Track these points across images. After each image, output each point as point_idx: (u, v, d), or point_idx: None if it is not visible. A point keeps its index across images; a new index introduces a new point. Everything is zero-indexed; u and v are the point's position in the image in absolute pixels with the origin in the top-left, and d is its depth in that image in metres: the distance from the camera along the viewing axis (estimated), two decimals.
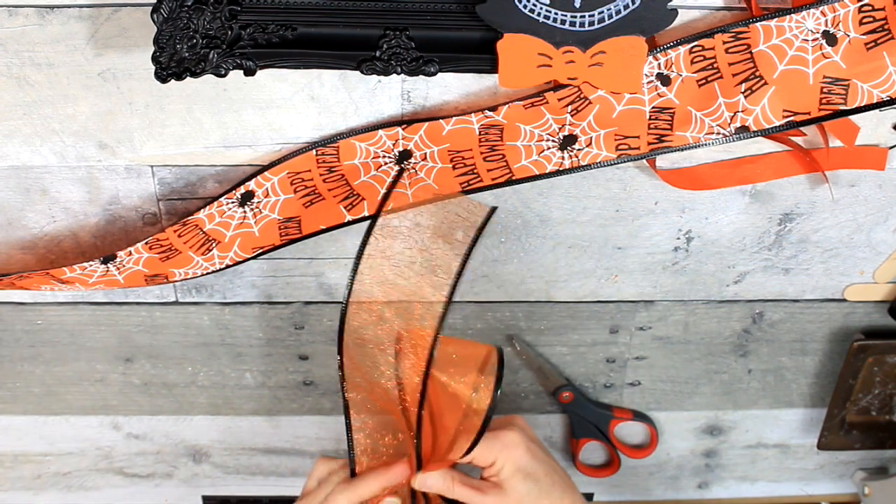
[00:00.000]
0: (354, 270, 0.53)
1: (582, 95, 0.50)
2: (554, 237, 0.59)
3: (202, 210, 0.53)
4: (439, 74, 0.49)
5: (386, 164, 0.53)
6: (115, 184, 0.55)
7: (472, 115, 0.51)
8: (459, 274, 0.55)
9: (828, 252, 0.61)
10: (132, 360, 0.65)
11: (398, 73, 0.48)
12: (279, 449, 0.70)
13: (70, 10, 0.47)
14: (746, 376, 0.68)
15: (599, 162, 0.53)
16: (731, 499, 0.76)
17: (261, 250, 0.56)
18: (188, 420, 0.68)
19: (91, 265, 0.54)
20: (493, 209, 0.56)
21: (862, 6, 0.46)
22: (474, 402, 0.52)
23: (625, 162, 0.53)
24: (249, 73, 0.47)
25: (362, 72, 0.48)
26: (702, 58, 0.49)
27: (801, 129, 0.53)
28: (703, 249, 0.60)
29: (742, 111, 0.51)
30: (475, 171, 0.53)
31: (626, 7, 0.45)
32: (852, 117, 0.52)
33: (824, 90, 0.49)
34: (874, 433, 0.70)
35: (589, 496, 0.75)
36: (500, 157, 0.53)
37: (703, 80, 0.50)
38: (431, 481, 0.54)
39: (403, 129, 0.52)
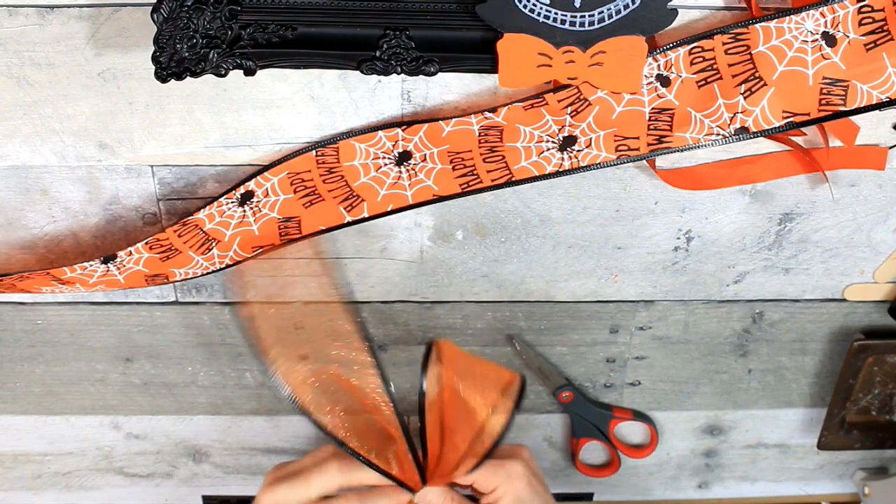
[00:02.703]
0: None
1: (581, 97, 0.50)
2: (554, 237, 0.59)
3: (202, 210, 0.53)
4: (439, 74, 0.49)
5: (385, 164, 0.53)
6: (115, 184, 0.55)
7: (472, 116, 0.51)
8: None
9: (828, 252, 0.61)
10: (132, 360, 0.65)
11: (398, 73, 0.48)
12: (279, 449, 0.70)
13: (70, 10, 0.47)
14: (746, 376, 0.68)
15: (599, 163, 0.53)
16: (731, 499, 0.76)
17: (260, 249, 0.56)
18: (188, 420, 0.68)
19: (91, 265, 0.54)
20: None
21: (861, 7, 0.46)
22: (489, 424, 0.52)
23: (624, 163, 0.53)
24: (249, 73, 0.47)
25: (362, 72, 0.48)
26: (701, 59, 0.49)
27: (801, 129, 0.53)
28: (703, 249, 0.61)
29: (741, 112, 0.51)
30: (475, 172, 0.53)
31: (626, 7, 0.45)
32: (852, 117, 0.52)
33: (824, 91, 0.49)
34: (874, 433, 0.70)
35: (589, 496, 0.75)
36: (500, 158, 0.53)
37: (703, 81, 0.50)
38: (431, 496, 0.54)
39: (403, 131, 0.52)
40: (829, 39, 0.48)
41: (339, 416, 0.53)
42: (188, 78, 0.46)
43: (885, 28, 0.47)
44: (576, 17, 0.46)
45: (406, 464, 0.53)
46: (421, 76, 0.49)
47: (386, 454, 0.54)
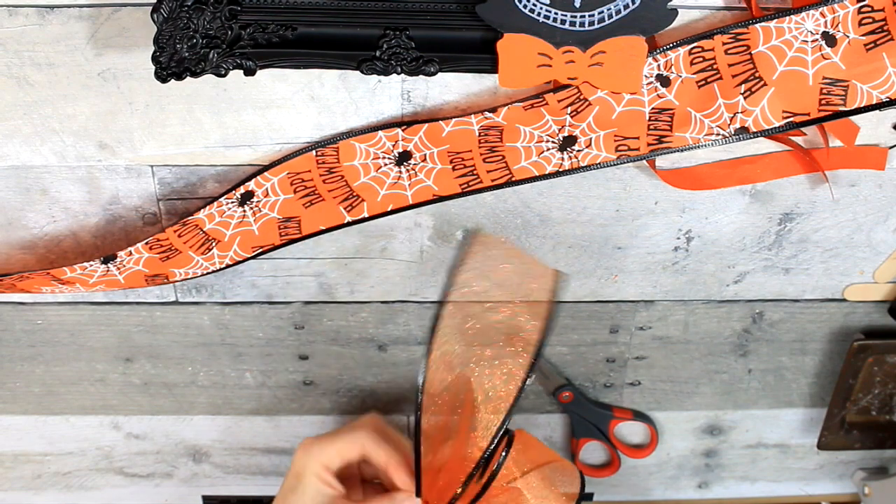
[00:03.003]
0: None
1: (581, 97, 0.50)
2: (554, 237, 0.59)
3: (202, 210, 0.53)
4: (439, 74, 0.49)
5: (385, 164, 0.53)
6: (115, 184, 0.55)
7: (472, 116, 0.51)
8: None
9: (828, 252, 0.61)
10: (132, 360, 0.65)
11: (398, 73, 0.48)
12: (279, 449, 0.70)
13: (70, 10, 0.47)
14: (746, 376, 0.68)
15: (599, 163, 0.53)
16: (731, 499, 0.76)
17: (261, 250, 0.56)
18: (188, 420, 0.68)
19: (91, 265, 0.54)
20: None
21: (861, 7, 0.46)
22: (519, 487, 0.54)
23: (624, 163, 0.53)
24: (249, 73, 0.47)
25: (362, 72, 0.48)
26: (701, 59, 0.49)
27: (801, 129, 0.53)
28: (703, 249, 0.61)
29: (741, 112, 0.51)
30: (475, 172, 0.53)
31: (626, 7, 0.45)
32: (852, 117, 0.52)
33: (824, 91, 0.49)
34: (874, 433, 0.70)
35: (589, 496, 0.75)
36: (500, 158, 0.53)
37: (703, 81, 0.50)
38: None
39: (403, 131, 0.52)
40: (829, 39, 0.48)
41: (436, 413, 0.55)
42: (188, 78, 0.46)
43: (885, 28, 0.47)
44: (576, 17, 0.46)
45: (439, 483, 0.54)
46: (421, 76, 0.49)
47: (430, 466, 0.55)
